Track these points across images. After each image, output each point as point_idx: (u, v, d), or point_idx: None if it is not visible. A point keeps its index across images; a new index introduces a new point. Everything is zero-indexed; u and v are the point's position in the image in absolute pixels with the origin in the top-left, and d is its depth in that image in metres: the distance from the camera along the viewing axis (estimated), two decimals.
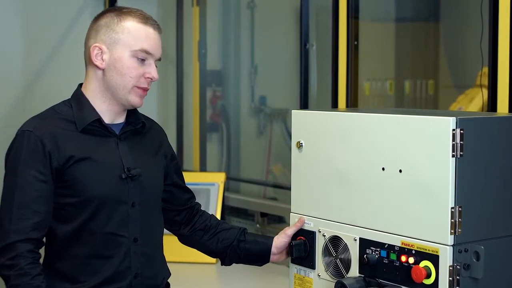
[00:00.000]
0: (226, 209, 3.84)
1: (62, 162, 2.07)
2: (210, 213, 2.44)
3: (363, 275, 2.06)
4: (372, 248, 2.05)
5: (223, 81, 4.52)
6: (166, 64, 4.54)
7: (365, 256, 2.05)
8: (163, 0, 4.59)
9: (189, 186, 2.42)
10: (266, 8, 4.50)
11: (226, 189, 3.80)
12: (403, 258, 1.97)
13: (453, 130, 1.86)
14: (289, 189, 2.32)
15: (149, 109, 2.38)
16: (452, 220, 1.87)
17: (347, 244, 2.12)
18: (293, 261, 2.30)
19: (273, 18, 4.46)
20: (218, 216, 3.44)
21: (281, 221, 3.82)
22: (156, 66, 2.17)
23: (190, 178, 2.51)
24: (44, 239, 2.11)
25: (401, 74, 4.31)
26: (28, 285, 1.99)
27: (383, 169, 2.01)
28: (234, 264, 2.40)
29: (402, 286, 1.97)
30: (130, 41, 2.11)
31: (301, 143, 2.25)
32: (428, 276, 1.91)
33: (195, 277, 3.32)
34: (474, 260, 1.88)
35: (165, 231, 2.34)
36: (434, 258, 1.90)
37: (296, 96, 3.55)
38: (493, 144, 1.95)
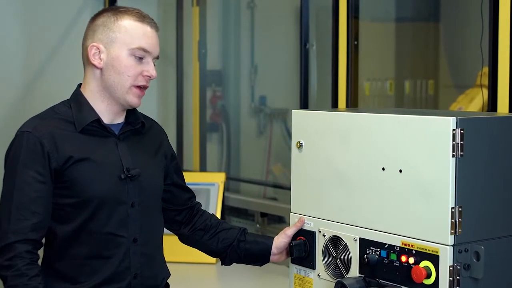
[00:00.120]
0: (226, 209, 3.84)
1: (61, 163, 2.07)
2: (211, 213, 2.44)
3: (363, 275, 2.06)
4: (372, 248, 2.04)
5: (223, 81, 4.52)
6: (166, 64, 4.54)
7: (365, 256, 2.04)
8: (163, 0, 4.59)
9: (189, 186, 2.42)
10: (266, 8, 4.50)
11: (226, 189, 3.80)
12: (403, 258, 1.96)
13: (453, 130, 1.86)
14: (289, 189, 2.31)
15: (149, 109, 2.37)
16: (452, 220, 1.87)
17: (347, 244, 2.12)
18: (293, 261, 2.30)
19: (273, 18, 4.46)
20: (218, 216, 3.44)
21: (281, 221, 3.82)
22: (154, 64, 2.17)
23: (190, 178, 2.51)
24: (43, 240, 2.11)
25: (401, 74, 4.31)
26: (25, 286, 1.98)
27: (383, 169, 2.01)
28: (234, 264, 2.40)
29: (402, 286, 1.97)
30: (127, 39, 2.11)
31: (301, 143, 2.24)
32: (428, 276, 1.91)
33: (195, 277, 3.31)
34: (474, 260, 1.88)
35: (165, 231, 2.34)
36: (434, 258, 1.90)
37: (296, 96, 3.55)
38: (493, 144, 1.95)
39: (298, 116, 2.27)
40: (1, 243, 2.02)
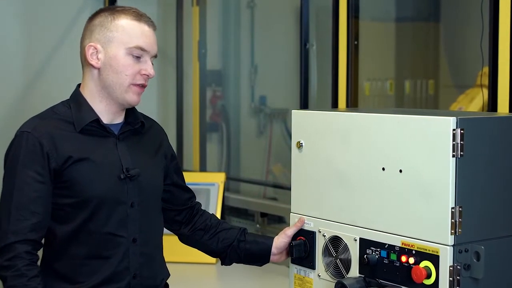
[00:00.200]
0: (226, 209, 3.84)
1: (60, 163, 2.07)
2: (211, 213, 2.44)
3: (363, 275, 2.05)
4: (372, 248, 2.04)
5: (223, 81, 4.52)
6: (166, 64, 4.54)
7: (365, 256, 2.04)
8: (163, 0, 4.59)
9: (189, 186, 2.42)
10: (266, 8, 4.50)
11: (226, 189, 3.80)
12: (403, 258, 1.96)
13: (454, 130, 1.86)
14: (289, 189, 2.31)
15: (149, 109, 2.37)
16: (453, 220, 1.87)
17: (347, 244, 2.12)
18: (293, 261, 2.30)
19: (273, 18, 4.45)
20: (218, 216, 3.44)
21: (281, 221, 3.82)
22: (152, 63, 2.16)
23: (190, 178, 2.51)
24: (43, 240, 2.11)
25: (401, 74, 4.31)
26: (25, 286, 1.98)
27: (383, 169, 2.01)
28: (234, 264, 2.40)
29: (402, 287, 1.96)
30: (124, 38, 2.11)
31: (301, 143, 2.24)
32: (429, 276, 1.91)
33: (195, 277, 3.31)
34: (475, 260, 1.88)
35: (166, 231, 2.34)
36: (434, 258, 1.90)
37: (296, 96, 3.55)
38: (493, 144, 1.95)
39: (298, 116, 2.27)
40: (0, 244, 2.02)
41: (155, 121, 2.37)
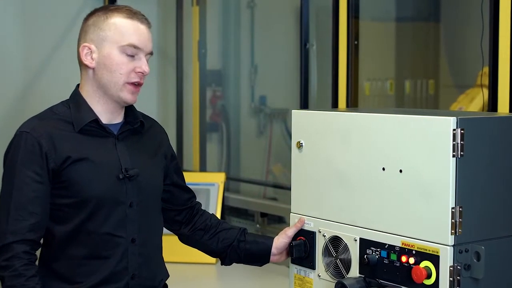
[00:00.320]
0: (226, 209, 3.84)
1: (59, 163, 2.07)
2: (211, 213, 2.44)
3: (363, 276, 2.05)
4: (372, 248, 2.04)
5: (223, 81, 4.51)
6: (166, 64, 4.54)
7: (365, 257, 2.04)
8: (163, 0, 4.59)
9: (189, 186, 2.42)
10: (266, 7, 4.49)
11: (226, 189, 3.80)
12: (404, 259, 1.96)
13: (454, 130, 1.86)
14: (289, 189, 2.31)
15: (149, 109, 2.37)
16: (453, 220, 1.87)
17: (347, 244, 2.11)
18: (293, 262, 2.30)
19: (273, 17, 4.45)
20: (218, 216, 3.44)
21: (281, 221, 3.82)
22: (147, 61, 2.16)
23: (190, 178, 2.51)
24: (42, 240, 2.11)
25: (402, 74, 4.31)
26: (23, 286, 1.98)
27: (383, 169, 2.01)
28: (234, 264, 2.40)
29: (402, 287, 1.96)
30: (117, 37, 2.11)
31: (301, 143, 2.24)
32: (429, 276, 1.90)
33: (195, 277, 3.31)
34: (475, 260, 1.88)
35: (165, 231, 2.34)
36: (434, 259, 1.89)
37: (296, 96, 3.55)
38: (493, 144, 1.95)
39: (298, 116, 2.27)
40: None
41: (156, 121, 2.36)
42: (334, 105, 3.13)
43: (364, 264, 2.05)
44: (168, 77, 4.55)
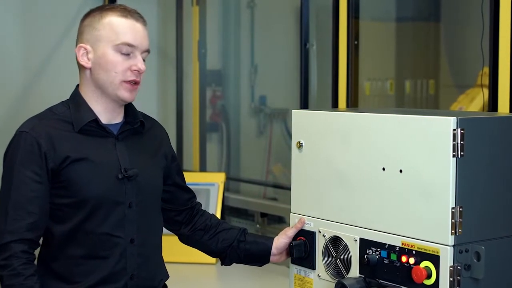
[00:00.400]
0: (226, 209, 3.83)
1: (58, 163, 2.07)
2: (211, 213, 2.44)
3: (363, 276, 2.05)
4: (372, 248, 2.04)
5: (223, 81, 4.51)
6: (166, 64, 4.54)
7: (365, 257, 2.04)
8: (163, 0, 4.59)
9: (189, 186, 2.42)
10: (266, 7, 4.49)
11: (226, 189, 3.80)
12: (404, 259, 1.96)
13: (454, 130, 1.86)
14: (289, 189, 2.31)
15: (149, 109, 2.37)
16: (453, 220, 1.87)
17: (347, 244, 2.11)
18: (293, 262, 2.29)
19: (273, 17, 4.45)
20: (218, 216, 3.44)
21: (281, 221, 3.82)
22: (144, 59, 2.16)
23: (190, 178, 2.51)
24: (41, 240, 2.11)
25: (402, 74, 4.31)
26: (21, 285, 1.99)
27: (383, 169, 2.01)
28: (234, 264, 2.40)
29: (402, 287, 1.96)
30: (111, 36, 2.11)
31: (301, 143, 2.24)
32: (429, 276, 1.90)
33: (195, 277, 3.31)
34: (475, 260, 1.88)
35: (165, 231, 2.34)
36: (434, 259, 1.89)
37: (296, 96, 3.55)
38: (493, 144, 1.95)
39: (298, 116, 2.27)
40: None
41: (157, 121, 2.36)
42: (334, 105, 3.13)
43: (364, 264, 2.05)
44: (168, 77, 4.55)
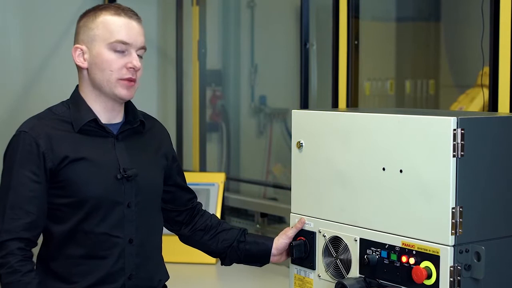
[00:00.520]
0: (226, 209, 3.83)
1: (56, 163, 2.07)
2: (211, 213, 2.43)
3: (363, 276, 2.05)
4: (372, 248, 2.04)
5: (223, 81, 4.51)
6: (166, 64, 4.54)
7: (365, 257, 2.04)
8: (163, 0, 4.59)
9: (189, 187, 2.41)
10: (266, 7, 4.49)
11: (226, 189, 3.80)
12: (404, 259, 1.96)
13: (454, 130, 1.86)
14: (289, 189, 2.31)
15: (149, 109, 2.36)
16: (453, 221, 1.87)
17: (347, 244, 2.11)
18: (293, 262, 2.29)
19: (273, 17, 4.45)
20: (218, 217, 3.45)
21: (281, 221, 3.81)
22: (141, 56, 2.15)
23: (190, 178, 2.51)
24: (38, 239, 2.11)
25: (402, 74, 4.30)
26: (19, 281, 1.99)
27: (383, 169, 2.00)
28: (234, 265, 2.40)
29: (402, 287, 1.96)
30: (105, 34, 2.11)
31: (301, 143, 2.24)
32: (429, 276, 1.90)
33: (195, 277, 3.31)
34: (475, 260, 1.87)
35: (166, 231, 2.33)
36: (434, 259, 1.89)
37: (296, 96, 3.54)
38: (494, 144, 1.95)
39: (298, 116, 2.26)
40: None
41: (158, 121, 2.35)
42: (334, 105, 3.13)
43: (364, 264, 2.04)
44: (168, 77, 4.55)
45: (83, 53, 2.13)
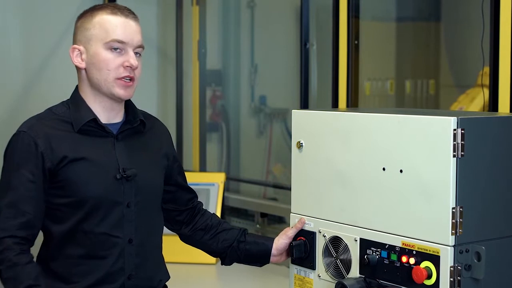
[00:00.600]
0: (226, 209, 3.83)
1: (55, 163, 2.07)
2: (212, 213, 2.43)
3: (363, 276, 2.05)
4: (372, 248, 2.04)
5: (223, 81, 4.51)
6: (166, 64, 4.54)
7: (365, 257, 2.04)
8: (163, 0, 4.58)
9: (190, 186, 2.41)
10: (266, 7, 4.49)
11: (226, 189, 3.79)
12: (404, 259, 1.96)
13: (454, 130, 1.86)
14: (289, 189, 2.30)
15: (149, 109, 2.36)
16: (453, 221, 1.86)
17: (347, 244, 2.11)
18: (293, 262, 2.29)
19: (273, 17, 4.45)
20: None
21: (281, 221, 3.81)
22: (139, 54, 2.15)
23: (190, 178, 2.50)
24: (39, 240, 2.11)
25: (402, 74, 4.30)
26: (19, 274, 2.00)
27: (383, 169, 2.00)
28: (234, 265, 2.40)
29: (402, 287, 1.96)
30: (101, 34, 2.11)
31: (301, 143, 2.24)
32: (429, 276, 1.90)
33: (195, 277, 3.31)
34: (475, 260, 1.87)
35: (166, 231, 2.33)
36: (435, 259, 1.89)
37: (296, 96, 3.54)
38: (494, 144, 1.94)
39: (298, 116, 2.26)
40: None
41: (159, 121, 2.35)
42: (334, 105, 3.13)
43: (364, 265, 2.04)
44: (168, 77, 4.54)
45: (80, 53, 2.14)
